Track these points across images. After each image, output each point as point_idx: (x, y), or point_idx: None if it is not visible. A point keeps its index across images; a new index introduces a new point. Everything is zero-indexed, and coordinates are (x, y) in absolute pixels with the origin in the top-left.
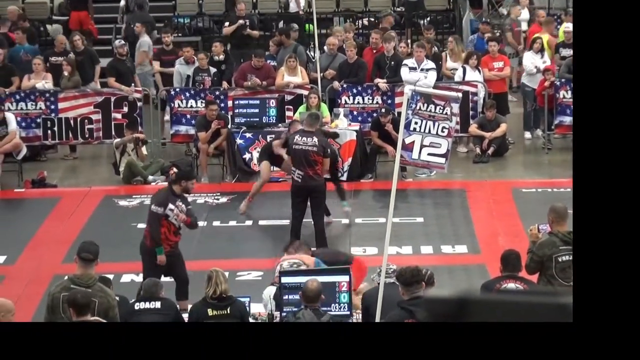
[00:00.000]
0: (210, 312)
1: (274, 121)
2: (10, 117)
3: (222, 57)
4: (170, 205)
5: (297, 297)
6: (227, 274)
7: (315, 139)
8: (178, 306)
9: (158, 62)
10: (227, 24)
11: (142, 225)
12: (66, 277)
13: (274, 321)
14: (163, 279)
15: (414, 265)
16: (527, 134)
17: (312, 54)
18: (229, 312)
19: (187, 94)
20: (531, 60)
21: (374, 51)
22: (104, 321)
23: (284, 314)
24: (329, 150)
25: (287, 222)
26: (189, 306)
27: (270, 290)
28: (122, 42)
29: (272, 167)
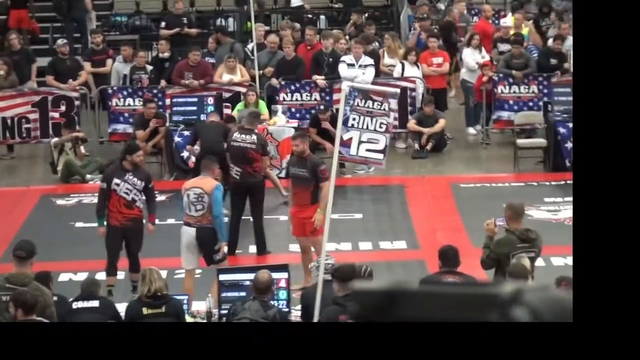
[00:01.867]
0: (145, 310)
1: None
2: None
3: (166, 54)
4: (116, 180)
5: (235, 294)
6: (165, 272)
7: (254, 137)
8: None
9: (89, 62)
10: (163, 24)
11: (80, 224)
12: (1, 277)
13: (212, 319)
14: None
15: (350, 262)
16: (471, 130)
17: (250, 50)
18: (164, 310)
19: (125, 93)
20: (471, 56)
21: (308, 47)
22: (46, 320)
23: (222, 312)
24: (267, 147)
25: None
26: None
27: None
28: (65, 40)
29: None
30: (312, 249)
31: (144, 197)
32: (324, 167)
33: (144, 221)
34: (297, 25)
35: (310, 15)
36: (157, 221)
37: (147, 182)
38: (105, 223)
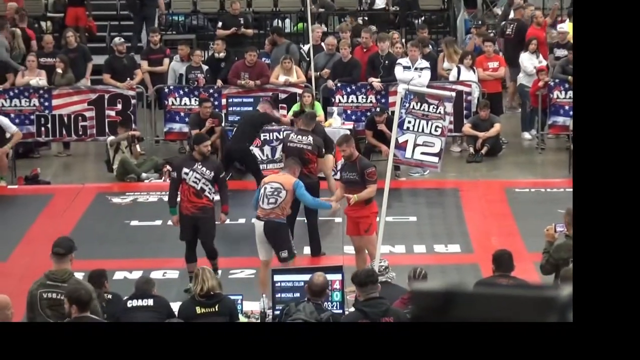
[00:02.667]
0: (198, 309)
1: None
2: (4, 121)
3: (222, 54)
4: (185, 169)
5: (290, 295)
6: (220, 272)
7: (310, 138)
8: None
9: (146, 61)
10: (220, 24)
11: (135, 223)
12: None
13: (267, 320)
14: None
15: (368, 267)
16: (527, 134)
17: (306, 52)
18: (217, 309)
19: (181, 92)
20: (528, 60)
21: (364, 50)
22: (99, 319)
23: (276, 312)
24: (323, 150)
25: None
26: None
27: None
28: (122, 39)
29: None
30: (366, 250)
31: (214, 188)
32: (372, 169)
33: (214, 210)
34: (373, 27)
35: (367, 18)
36: None
37: (217, 173)
38: (177, 212)
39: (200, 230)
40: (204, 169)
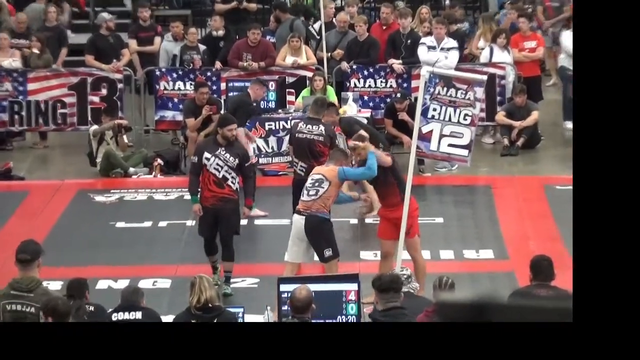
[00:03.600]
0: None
1: (273, 106)
2: None
3: (221, 32)
4: (207, 154)
5: None
6: (229, 283)
7: (322, 128)
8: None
9: (134, 40)
10: None
11: (121, 224)
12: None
13: None
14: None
15: (394, 273)
16: (569, 124)
17: (317, 30)
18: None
19: (175, 75)
20: (571, 39)
21: (384, 27)
22: None
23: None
24: (336, 140)
25: (287, 222)
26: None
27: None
28: (110, 15)
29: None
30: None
31: (238, 177)
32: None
33: (238, 202)
34: (401, 3)
35: None
36: None
37: (242, 160)
38: (198, 200)
39: (221, 223)
40: (228, 155)
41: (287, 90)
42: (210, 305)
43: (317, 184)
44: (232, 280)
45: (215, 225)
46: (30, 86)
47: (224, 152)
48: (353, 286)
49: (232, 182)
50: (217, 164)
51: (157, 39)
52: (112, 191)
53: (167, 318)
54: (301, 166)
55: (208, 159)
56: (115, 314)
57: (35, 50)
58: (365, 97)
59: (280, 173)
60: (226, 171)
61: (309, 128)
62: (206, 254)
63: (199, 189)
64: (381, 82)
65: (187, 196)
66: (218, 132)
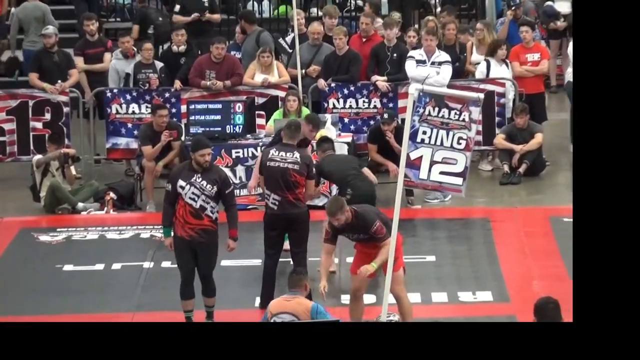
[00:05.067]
0: None
1: (240, 131)
2: None
3: (182, 48)
4: (181, 182)
5: None
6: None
7: (297, 154)
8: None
9: (81, 57)
10: (178, 7)
11: (69, 267)
12: None
13: None
14: None
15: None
16: None
17: (286, 42)
18: None
19: (128, 97)
20: None
21: (363, 39)
22: None
23: None
24: (313, 169)
25: (258, 262)
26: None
27: None
28: (51, 28)
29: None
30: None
31: (217, 206)
32: (377, 224)
33: (217, 234)
34: (397, 15)
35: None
36: (169, 264)
37: (222, 187)
38: (172, 233)
39: (201, 258)
40: (204, 182)
41: (256, 112)
42: None
43: None
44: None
45: (194, 260)
46: None
47: (200, 179)
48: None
49: (211, 212)
50: (193, 193)
51: (107, 56)
52: (58, 230)
53: None
54: (274, 199)
55: (183, 187)
56: None
57: None
58: (346, 120)
59: (250, 207)
60: (203, 200)
61: (282, 155)
62: (182, 296)
63: (173, 221)
64: (364, 102)
65: (144, 234)
66: (191, 157)
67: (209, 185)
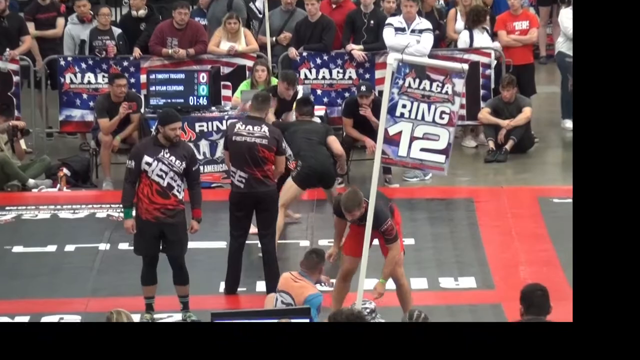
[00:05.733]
0: None
1: (205, 103)
2: None
3: (142, 12)
4: (147, 158)
5: None
6: (137, 316)
7: (265, 128)
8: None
9: (32, 22)
10: None
11: (18, 249)
12: None
13: None
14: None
15: (351, 310)
16: (568, 123)
17: (257, 8)
18: None
19: (83, 65)
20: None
21: (333, 6)
22: None
23: None
24: (283, 144)
25: (223, 244)
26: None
27: None
28: None
29: None
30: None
31: (183, 184)
32: (388, 223)
33: (184, 214)
34: None
35: None
36: (126, 245)
37: (189, 163)
38: (133, 214)
39: (168, 241)
40: (173, 158)
41: (222, 83)
42: None
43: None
44: (156, 316)
45: (158, 243)
46: None
47: (168, 154)
48: (305, 321)
49: (177, 191)
50: (161, 169)
51: (60, 21)
52: (7, 208)
53: None
54: (240, 177)
55: (149, 164)
56: None
57: None
58: (319, 91)
59: (214, 185)
60: (171, 178)
61: (248, 129)
62: (143, 282)
63: (134, 201)
64: (338, 72)
65: (100, 213)
66: (159, 130)
67: (177, 161)
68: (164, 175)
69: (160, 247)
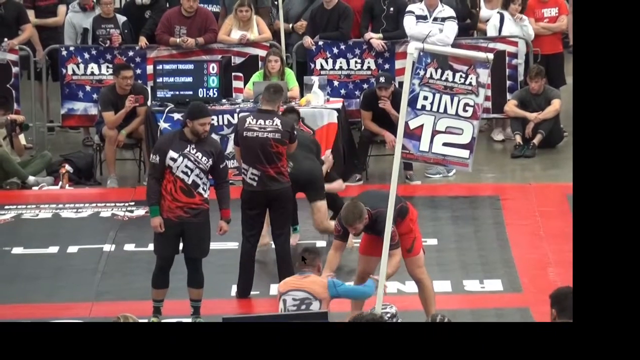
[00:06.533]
0: None
1: (215, 95)
2: None
3: (147, 0)
4: (172, 153)
5: None
6: (144, 321)
7: (277, 121)
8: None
9: (32, 10)
10: None
11: (18, 250)
12: None
13: None
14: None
15: (372, 314)
16: None
17: None
18: None
19: (86, 55)
20: None
21: None
22: None
23: None
24: (295, 132)
25: (235, 245)
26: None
27: None
28: None
29: None
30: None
31: (209, 181)
32: (393, 230)
33: (209, 215)
34: None
35: None
36: (132, 246)
37: (217, 161)
38: (159, 212)
39: (188, 241)
40: (199, 154)
41: (233, 74)
42: None
43: (303, 307)
44: (165, 321)
45: (178, 244)
46: None
47: (195, 150)
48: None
49: (203, 189)
50: (187, 166)
51: (62, 9)
52: (6, 207)
53: None
54: (252, 174)
55: (174, 160)
56: None
57: None
58: (336, 83)
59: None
60: (197, 175)
61: (260, 124)
62: (154, 285)
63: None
64: (356, 62)
65: (104, 213)
66: (187, 124)
67: (204, 158)
68: (189, 172)
69: (180, 247)
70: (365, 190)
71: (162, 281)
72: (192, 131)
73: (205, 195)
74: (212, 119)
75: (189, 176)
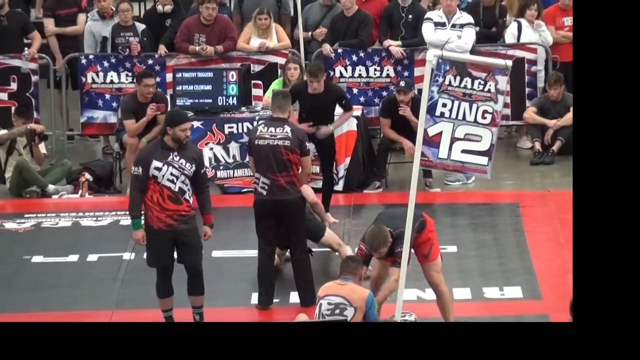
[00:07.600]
0: None
1: (234, 103)
2: None
3: (168, 7)
4: (156, 163)
5: None
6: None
7: (288, 129)
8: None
9: (51, 19)
10: None
11: (38, 259)
12: None
13: None
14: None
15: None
16: None
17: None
18: None
19: (106, 64)
20: None
21: None
22: None
23: None
24: (306, 144)
25: (253, 253)
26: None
27: None
28: None
29: None
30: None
31: (192, 188)
32: (398, 250)
33: (196, 220)
34: None
35: None
36: None
37: (199, 166)
38: (142, 224)
39: (183, 248)
40: (183, 161)
41: (252, 82)
42: None
43: (337, 312)
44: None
45: (172, 252)
46: None
47: (178, 157)
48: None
49: (189, 195)
50: (172, 174)
51: (82, 17)
52: (26, 216)
53: None
54: (263, 183)
55: (159, 169)
56: None
57: None
58: (355, 90)
59: (245, 190)
60: (182, 182)
61: (271, 131)
62: (159, 294)
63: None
64: (375, 70)
65: (124, 221)
66: (167, 132)
67: (187, 164)
68: (175, 180)
69: (175, 256)
70: (382, 211)
71: (167, 290)
72: (173, 138)
73: (191, 201)
74: (231, 127)
75: (175, 184)
